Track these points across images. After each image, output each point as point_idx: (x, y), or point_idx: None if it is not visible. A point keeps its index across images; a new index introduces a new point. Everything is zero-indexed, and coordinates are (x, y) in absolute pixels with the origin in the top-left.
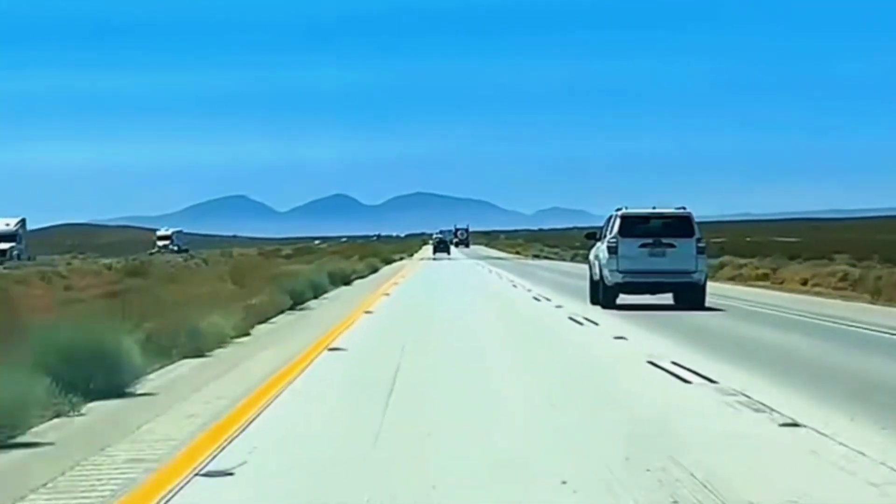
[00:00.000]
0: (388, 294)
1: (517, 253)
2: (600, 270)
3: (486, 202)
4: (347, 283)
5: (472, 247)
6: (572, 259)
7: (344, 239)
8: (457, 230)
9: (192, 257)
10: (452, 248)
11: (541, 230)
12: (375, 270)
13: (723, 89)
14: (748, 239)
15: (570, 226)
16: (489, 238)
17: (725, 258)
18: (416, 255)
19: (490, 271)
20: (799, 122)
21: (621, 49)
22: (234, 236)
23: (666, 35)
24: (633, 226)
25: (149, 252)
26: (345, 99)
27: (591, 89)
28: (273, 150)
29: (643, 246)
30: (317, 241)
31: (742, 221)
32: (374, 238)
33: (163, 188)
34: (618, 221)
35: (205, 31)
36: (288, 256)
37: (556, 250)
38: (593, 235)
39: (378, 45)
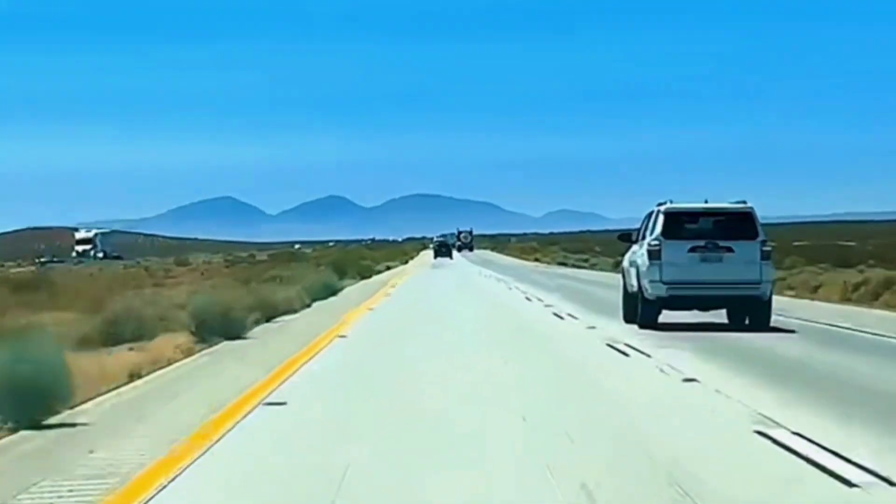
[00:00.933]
0: (275, 404)
1: (536, 260)
2: (638, 280)
3: (490, 204)
4: (233, 336)
5: (477, 251)
6: (617, 269)
7: (332, 243)
8: (459, 233)
9: (137, 265)
10: (455, 252)
11: (552, 234)
12: (332, 294)
13: (733, 87)
14: (797, 243)
15: (582, 229)
16: (495, 242)
17: None
18: (411, 262)
19: (529, 299)
20: (811, 117)
21: (634, 43)
22: (205, 240)
23: (680, 31)
24: (680, 225)
25: (39, 260)
26: (339, 94)
27: (602, 84)
28: (262, 148)
29: (693, 250)
30: (297, 245)
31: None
32: (368, 242)
33: (144, 190)
34: (661, 219)
35: (189, 25)
36: (230, 265)
37: (584, 256)
38: (628, 237)
39: (375, 38)
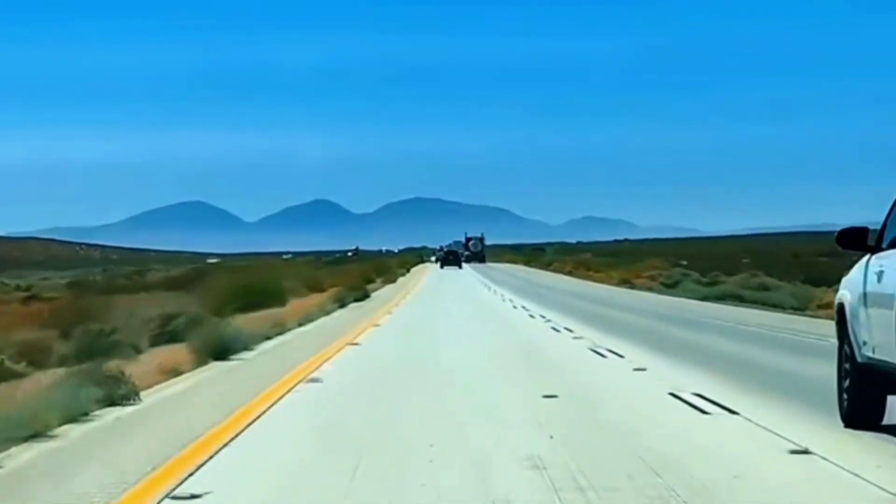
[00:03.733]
0: None
1: (626, 283)
2: None
3: (501, 209)
4: None
5: (500, 265)
6: None
7: (288, 255)
8: (468, 240)
9: None
10: (465, 265)
11: (579, 243)
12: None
13: (765, 79)
14: None
15: (616, 238)
16: (527, 255)
17: None
18: (382, 292)
19: None
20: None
21: (658, 22)
22: (169, 251)
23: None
24: None
25: None
26: (327, 83)
27: (633, 67)
28: (239, 145)
29: None
30: (210, 259)
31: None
32: (351, 254)
33: (102, 192)
34: None
35: (154, 2)
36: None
37: (761, 281)
38: (860, 240)
39: (367, 16)
